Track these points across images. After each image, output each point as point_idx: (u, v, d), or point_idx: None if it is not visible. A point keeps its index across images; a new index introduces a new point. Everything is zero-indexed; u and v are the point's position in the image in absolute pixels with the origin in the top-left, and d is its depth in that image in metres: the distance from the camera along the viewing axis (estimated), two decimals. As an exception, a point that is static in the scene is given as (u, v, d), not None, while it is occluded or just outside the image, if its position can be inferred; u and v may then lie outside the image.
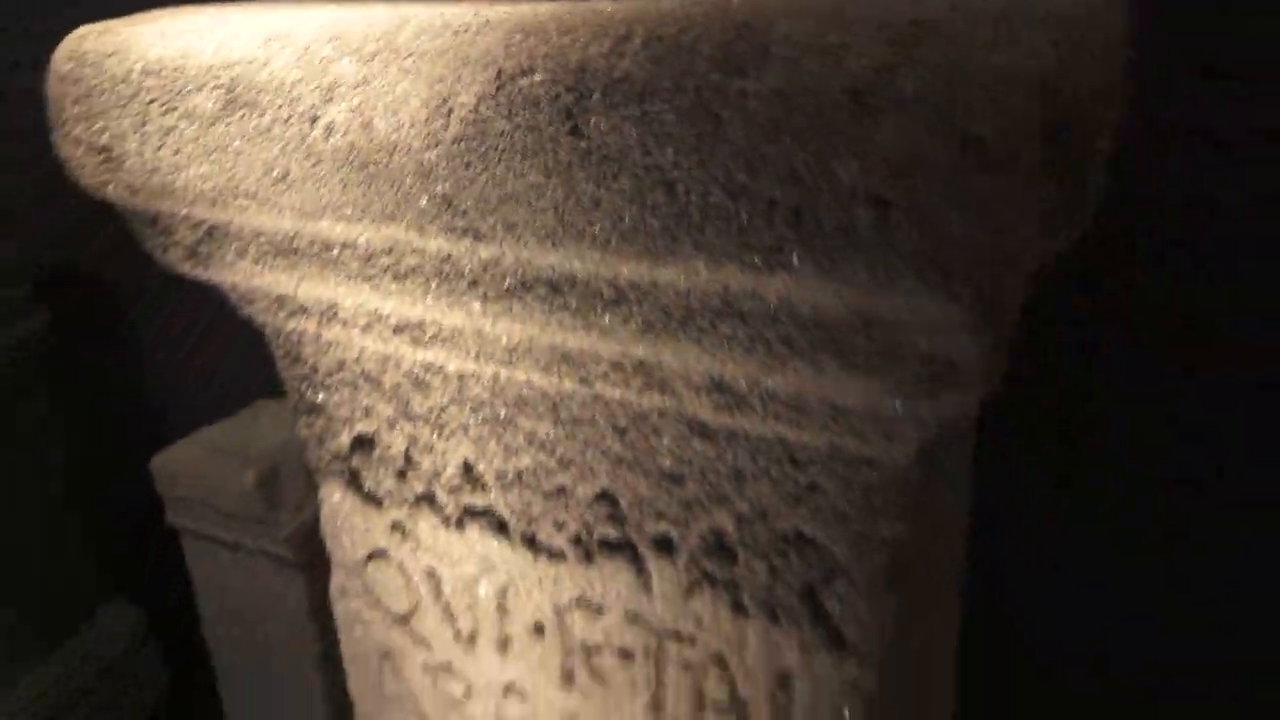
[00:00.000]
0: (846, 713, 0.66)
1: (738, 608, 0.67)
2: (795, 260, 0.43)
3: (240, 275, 0.72)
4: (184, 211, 0.67)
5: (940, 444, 0.55)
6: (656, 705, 0.75)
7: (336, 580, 0.89)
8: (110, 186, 0.68)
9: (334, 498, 0.84)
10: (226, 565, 1.54)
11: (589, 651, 0.77)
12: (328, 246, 0.64)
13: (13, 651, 1.85)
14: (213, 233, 0.69)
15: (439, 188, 0.52)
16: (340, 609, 0.90)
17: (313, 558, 1.45)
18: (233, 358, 1.87)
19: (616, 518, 0.69)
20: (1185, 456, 1.17)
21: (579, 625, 0.76)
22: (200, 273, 0.73)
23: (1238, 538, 1.17)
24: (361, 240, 0.61)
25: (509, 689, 0.83)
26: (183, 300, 1.81)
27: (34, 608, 1.87)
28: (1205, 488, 1.17)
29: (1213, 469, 1.16)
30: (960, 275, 0.40)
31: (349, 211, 0.57)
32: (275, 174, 0.58)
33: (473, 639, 0.83)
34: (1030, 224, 0.41)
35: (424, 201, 0.54)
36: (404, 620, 0.86)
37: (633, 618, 0.73)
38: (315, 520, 1.45)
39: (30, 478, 1.81)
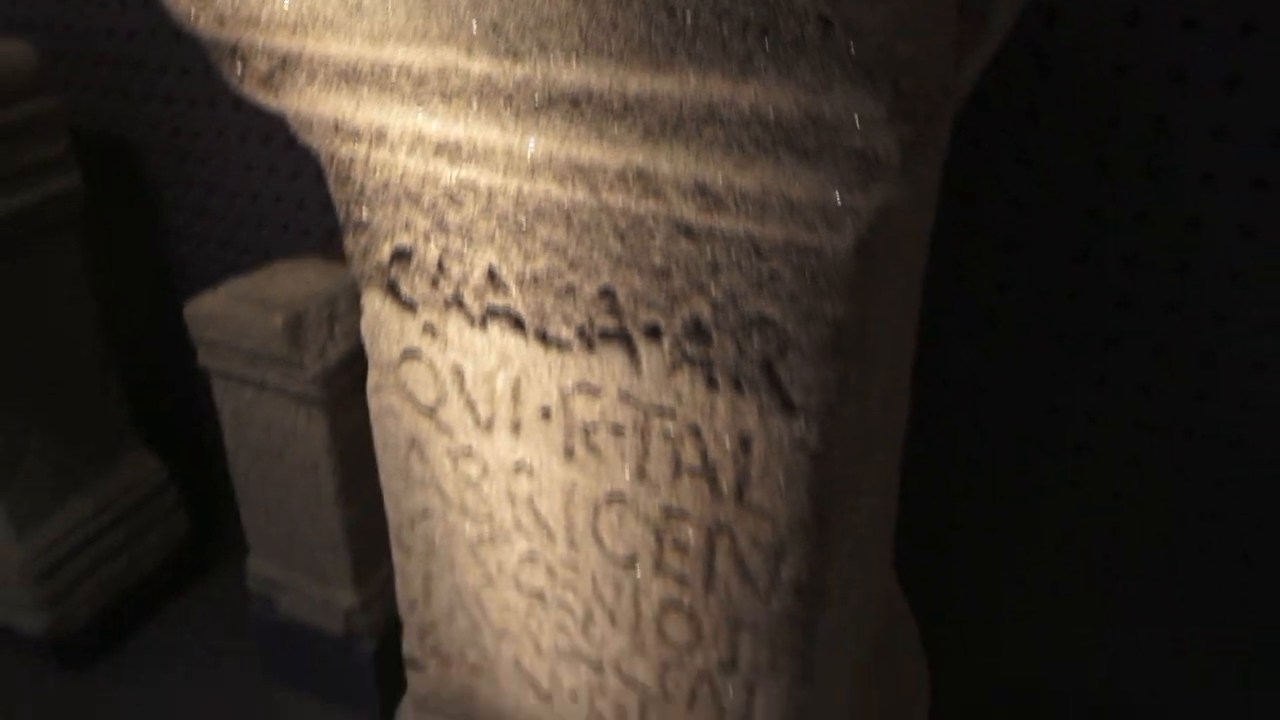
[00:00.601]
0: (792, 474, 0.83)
1: (710, 383, 0.84)
2: (762, 66, 0.58)
3: (305, 101, 0.86)
4: (263, 41, 0.81)
5: (875, 236, 0.71)
6: (641, 472, 0.93)
7: (373, 379, 1.05)
8: (201, 18, 0.82)
9: (374, 305, 1.00)
10: (253, 404, 1.70)
11: (587, 430, 0.94)
12: (386, 71, 0.78)
13: (61, 476, 2.02)
14: (286, 61, 0.83)
15: (488, 14, 0.67)
16: (375, 403, 1.07)
17: (334, 397, 1.62)
18: (249, 222, 2.01)
19: (615, 310, 0.85)
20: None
21: (580, 407, 0.92)
22: (271, 100, 0.87)
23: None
24: (417, 63, 0.75)
25: (519, 467, 1.00)
26: (203, 167, 1.94)
27: (75, 441, 2.04)
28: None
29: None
30: (881, 75, 0.56)
31: (410, 35, 0.72)
32: (351, 2, 0.72)
33: (490, 425, 0.99)
34: (938, 40, 0.56)
35: (474, 26, 0.68)
36: (431, 411, 1.03)
37: (624, 397, 0.89)
38: (337, 363, 1.62)
39: (67, 320, 1.95)
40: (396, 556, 1.17)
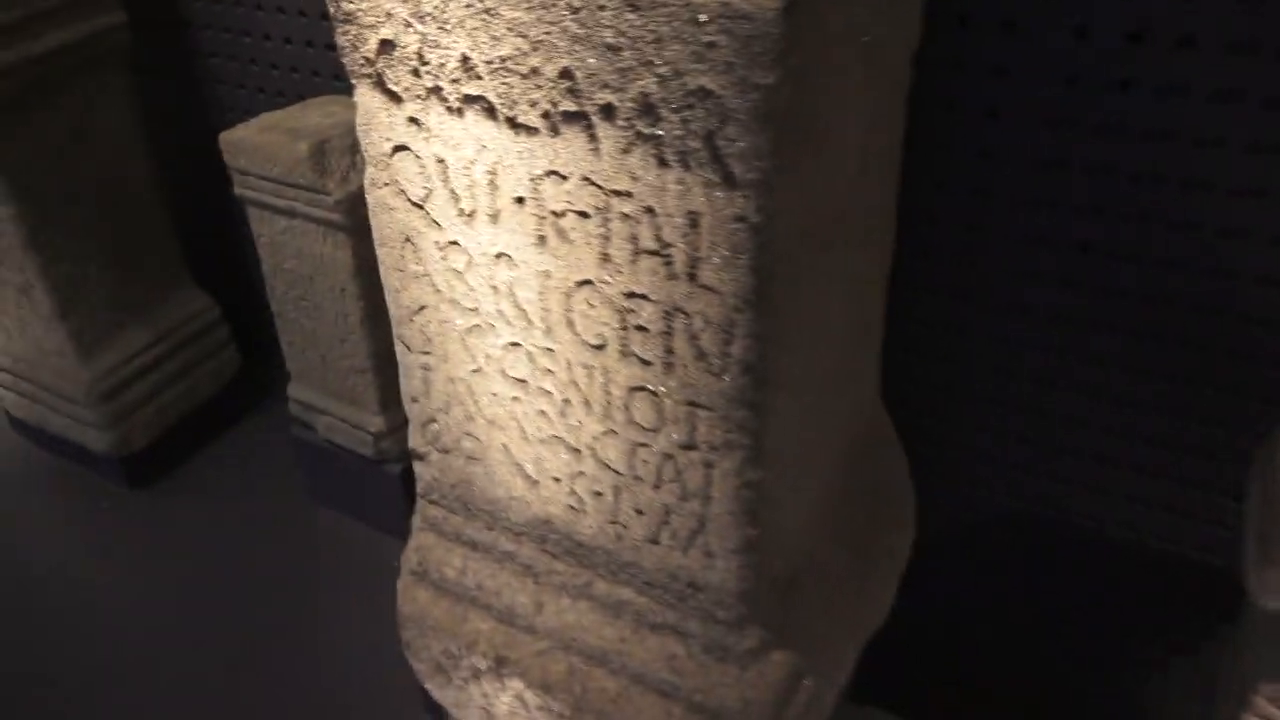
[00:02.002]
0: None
1: (661, 161, 0.89)
2: None
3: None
4: None
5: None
6: (605, 256, 0.99)
7: (369, 175, 1.12)
8: None
9: (365, 99, 1.06)
10: (285, 232, 1.80)
11: (557, 216, 0.99)
12: None
13: (118, 307, 2.18)
14: None
15: None
16: (371, 199, 1.14)
17: (358, 224, 1.70)
18: (284, 60, 2.07)
19: (574, 90, 0.90)
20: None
21: (549, 193, 0.98)
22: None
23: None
24: None
25: (500, 256, 1.07)
26: (239, 9, 2.00)
27: (130, 273, 2.18)
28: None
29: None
30: None
31: None
32: None
33: (472, 215, 1.06)
34: None
35: None
36: (420, 205, 1.10)
37: (587, 180, 0.95)
38: (360, 191, 1.69)
39: (117, 155, 2.07)
40: (399, 352, 1.26)
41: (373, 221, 1.16)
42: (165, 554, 2.16)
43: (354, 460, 2.03)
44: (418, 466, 1.36)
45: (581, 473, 1.18)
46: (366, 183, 1.14)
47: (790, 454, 1.10)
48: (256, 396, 2.49)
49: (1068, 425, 1.62)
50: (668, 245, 0.94)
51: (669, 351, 1.01)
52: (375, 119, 1.07)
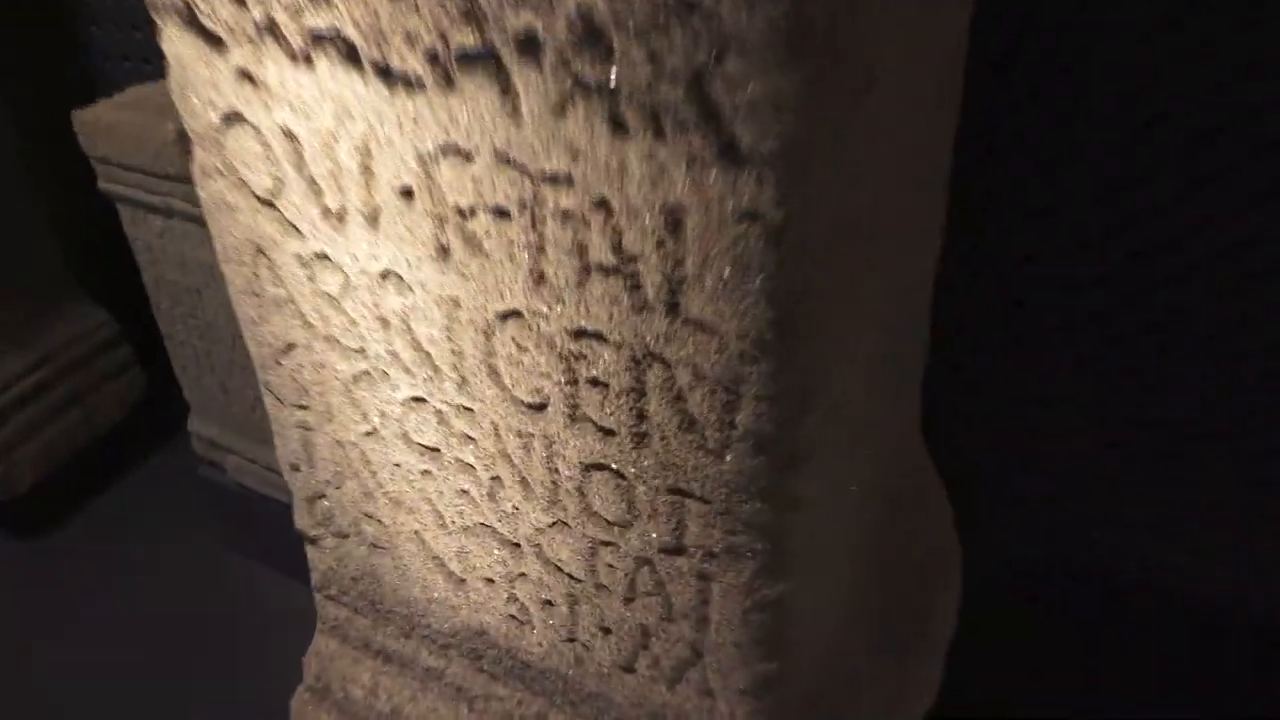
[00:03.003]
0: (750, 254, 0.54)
1: (616, 125, 0.54)
2: None
3: None
4: None
5: None
6: (538, 275, 0.64)
7: (197, 158, 0.77)
8: None
9: (173, 44, 0.70)
10: (164, 236, 1.44)
11: (462, 215, 0.65)
12: None
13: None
14: None
15: None
16: (205, 194, 0.79)
17: (248, 224, 1.34)
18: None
19: (473, 15, 0.55)
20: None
21: (448, 179, 0.63)
22: None
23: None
24: None
25: (386, 276, 0.72)
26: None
27: (5, 295, 1.82)
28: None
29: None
30: None
31: None
32: None
33: (342, 215, 0.71)
34: None
35: None
36: (270, 202, 0.74)
37: (503, 159, 0.60)
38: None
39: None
40: (268, 404, 0.91)
41: (211, 227, 0.81)
42: (56, 613, 1.81)
43: (270, 506, 1.67)
44: (311, 552, 1.01)
45: (523, 574, 0.84)
46: (196, 173, 0.78)
47: (820, 549, 0.76)
48: (167, 426, 2.12)
49: (1139, 468, 1.29)
50: (632, 259, 0.59)
51: (639, 417, 0.66)
52: (192, 73, 0.71)
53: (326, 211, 0.72)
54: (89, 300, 2.00)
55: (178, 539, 1.90)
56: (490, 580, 0.87)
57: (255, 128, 0.71)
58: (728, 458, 0.65)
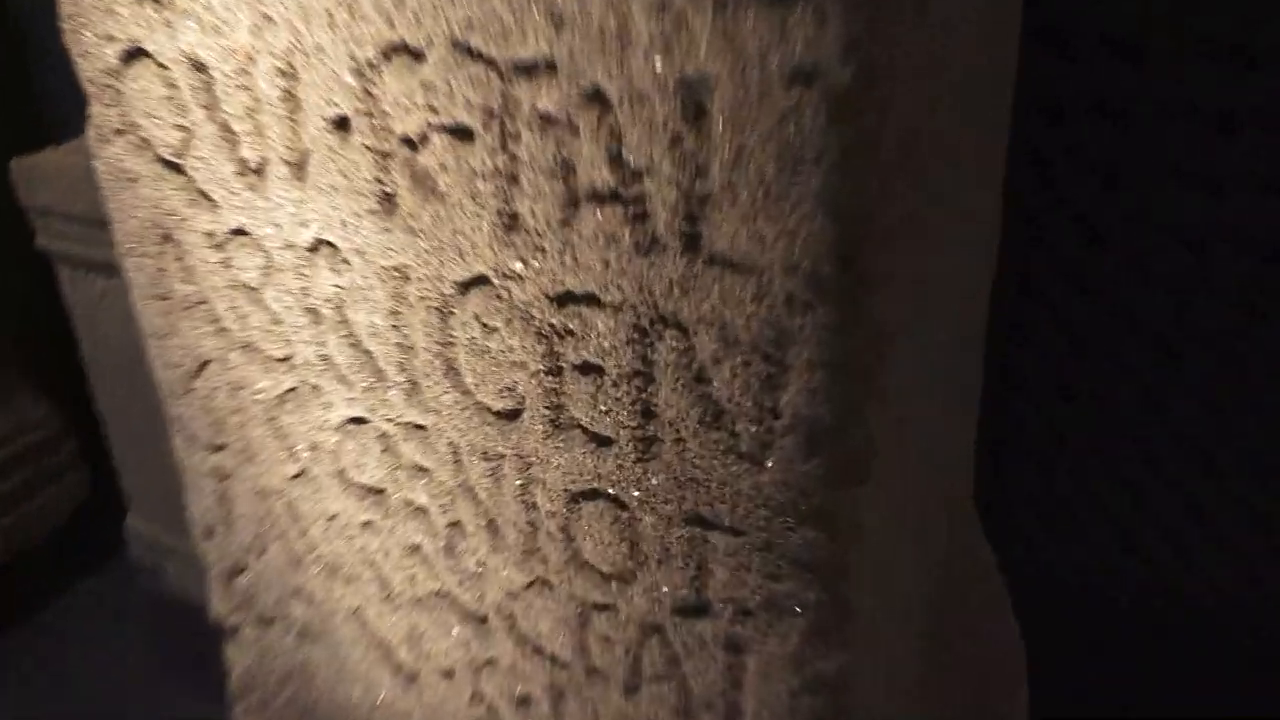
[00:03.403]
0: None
1: (616, -35, 0.39)
2: None
3: None
4: None
5: None
6: (510, 218, 0.48)
7: (94, 118, 0.61)
8: None
9: (64, -36, 0.56)
10: (105, 297, 1.28)
11: (411, 146, 0.49)
12: None
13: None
14: None
15: None
16: (102, 164, 0.63)
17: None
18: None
19: None
20: None
21: (392, 94, 0.48)
22: None
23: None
24: None
25: (316, 247, 0.56)
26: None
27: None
28: None
29: None
30: None
31: None
32: None
33: (261, 169, 0.55)
34: None
35: None
36: (176, 164, 0.59)
37: (462, 49, 0.45)
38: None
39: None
40: (176, 449, 0.73)
41: (110, 211, 0.65)
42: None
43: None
44: (228, 650, 0.80)
45: (491, 661, 0.63)
46: (92, 138, 0.63)
47: (888, 606, 0.57)
48: (115, 531, 1.91)
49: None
50: (636, 176, 0.43)
51: (646, 414, 0.49)
52: (87, 1, 0.57)
53: (243, 166, 0.56)
54: (30, 389, 1.82)
55: (112, 660, 1.67)
56: (448, 673, 0.66)
57: (158, 62, 0.56)
58: (768, 462, 0.46)
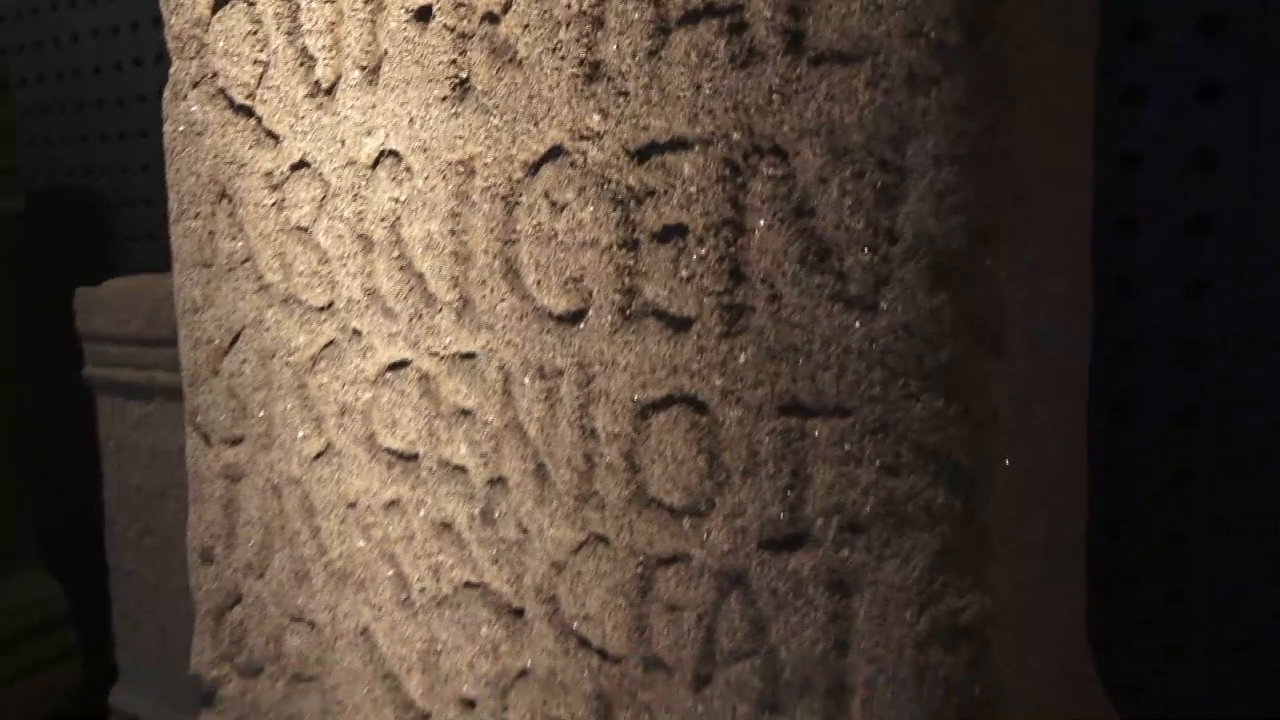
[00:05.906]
0: None
1: None
2: None
3: None
4: None
5: None
6: (592, 67, 0.45)
7: (172, 79, 0.61)
8: None
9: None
10: (140, 426, 1.24)
11: (493, 20, 0.47)
12: None
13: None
14: None
15: None
16: (171, 130, 0.62)
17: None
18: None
19: None
20: None
21: (480, -37, 0.47)
22: None
23: None
24: None
25: (378, 161, 0.53)
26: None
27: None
28: None
29: None
30: None
31: None
32: None
33: (332, 88, 0.54)
34: None
35: None
36: (248, 107, 0.58)
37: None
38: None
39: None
40: (189, 451, 0.66)
41: (170, 174, 0.63)
42: None
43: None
44: (203, 718, 0.67)
45: (523, 672, 0.51)
46: (166, 98, 0.62)
47: (1038, 531, 0.45)
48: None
49: None
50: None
51: (735, 276, 0.42)
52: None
53: (315, 88, 0.55)
54: (40, 567, 1.72)
55: None
56: (469, 704, 0.53)
57: (249, 2, 0.57)
58: (883, 303, 0.39)
